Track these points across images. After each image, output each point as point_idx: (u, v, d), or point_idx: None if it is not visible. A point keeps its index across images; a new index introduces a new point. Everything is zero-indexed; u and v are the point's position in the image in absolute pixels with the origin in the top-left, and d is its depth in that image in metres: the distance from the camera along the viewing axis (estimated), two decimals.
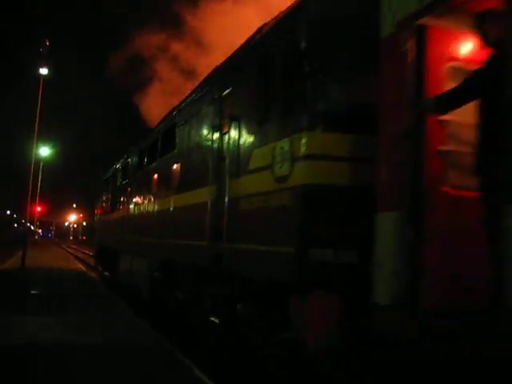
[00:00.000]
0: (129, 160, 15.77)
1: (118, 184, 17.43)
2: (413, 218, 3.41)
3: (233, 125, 6.67)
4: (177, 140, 9.79)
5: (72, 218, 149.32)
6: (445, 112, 3.50)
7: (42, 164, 51.90)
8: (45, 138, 47.81)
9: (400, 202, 3.50)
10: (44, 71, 27.12)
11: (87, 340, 7.64)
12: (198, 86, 8.99)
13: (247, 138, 6.23)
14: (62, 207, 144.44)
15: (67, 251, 53.90)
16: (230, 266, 6.41)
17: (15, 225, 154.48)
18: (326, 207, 4.67)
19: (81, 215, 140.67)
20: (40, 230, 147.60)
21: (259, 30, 6.45)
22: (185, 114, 9.45)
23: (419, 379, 3.33)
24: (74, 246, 67.28)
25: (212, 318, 7.11)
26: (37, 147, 31.07)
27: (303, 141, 4.87)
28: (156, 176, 11.51)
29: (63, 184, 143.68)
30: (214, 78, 7.95)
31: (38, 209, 61.67)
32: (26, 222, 31.80)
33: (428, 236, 3.39)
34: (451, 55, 3.71)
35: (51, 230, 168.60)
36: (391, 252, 3.55)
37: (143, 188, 12.90)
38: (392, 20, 3.80)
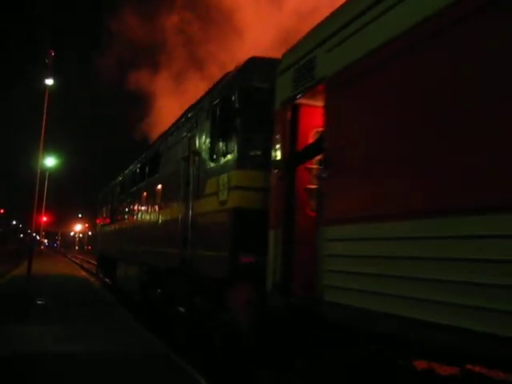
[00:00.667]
0: (125, 177, 17.89)
1: (116, 198, 19.57)
2: (286, 233, 5.37)
3: (195, 158, 8.70)
4: (160, 165, 11.86)
5: (77, 227, 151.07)
6: (298, 165, 5.45)
7: (47, 174, 53.26)
8: (51, 149, 50.10)
9: (278, 222, 5.47)
10: (49, 82, 27.66)
11: (88, 345, 8.53)
12: (175, 124, 11.08)
13: (204, 170, 8.24)
14: (67, 217, 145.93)
15: (72, 261, 55.39)
16: (192, 267, 8.40)
17: (21, 235, 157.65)
18: (248, 224, 6.65)
19: (86, 225, 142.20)
20: (46, 240, 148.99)
21: (214, 85, 8.51)
22: (165, 144, 11.53)
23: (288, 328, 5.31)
24: (80, 256, 68.16)
25: (180, 308, 9.14)
26: (42, 157, 31.36)
27: (235, 176, 6.88)
28: (145, 194, 13.58)
29: (69, 194, 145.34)
30: (185, 119, 10.00)
31: (44, 219, 63.22)
32: (31, 232, 32.38)
33: (296, 245, 5.34)
34: (316, 123, 5.67)
35: (57, 240, 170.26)
36: (273, 256, 5.52)
37: (135, 203, 15.00)
38: (279, 100, 5.80)
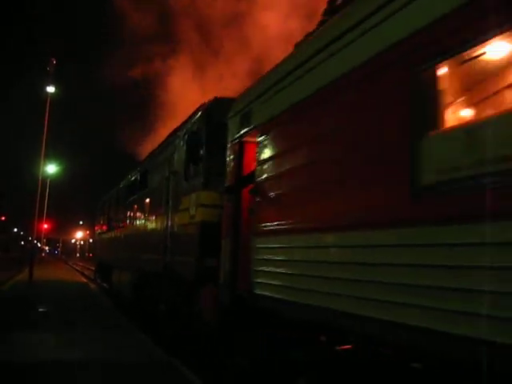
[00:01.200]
0: (119, 190, 19.59)
1: (112, 209, 21.26)
2: (233, 242, 6.99)
3: (174, 177, 10.33)
4: (148, 181, 13.52)
5: (79, 235, 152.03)
6: (242, 189, 7.04)
7: (48, 181, 54.18)
8: (52, 156, 49.39)
9: (227, 233, 7.11)
10: (51, 89, 28.08)
11: (88, 348, 9.39)
12: (160, 144, 12.76)
13: (180, 189, 9.87)
14: (68, 224, 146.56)
15: (73, 267, 56.63)
16: (172, 271, 10.02)
17: (22, 242, 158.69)
18: (210, 234, 8.27)
19: (87, 232, 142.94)
20: (47, 247, 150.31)
21: (188, 118, 10.19)
22: (152, 162, 13.21)
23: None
24: (81, 263, 69.06)
25: (163, 305, 10.82)
26: (44, 165, 31.37)
27: (201, 195, 8.52)
28: (136, 206, 15.24)
29: (70, 201, 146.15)
30: (167, 142, 11.66)
31: (45, 226, 64.17)
32: (33, 240, 32.48)
33: (240, 251, 6.95)
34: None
35: (58, 247, 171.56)
36: (224, 260, 7.17)
37: (128, 214, 16.66)
38: (230, 138, 7.45)
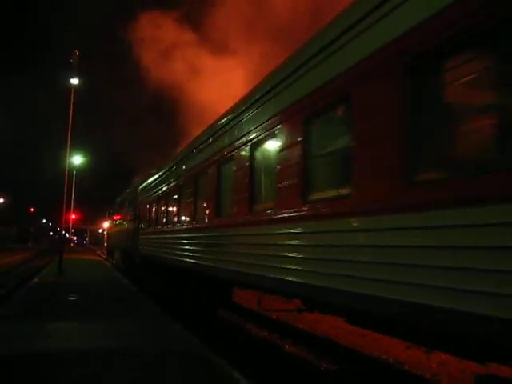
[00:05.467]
0: (122, 199, 32.65)
1: (115, 210, 34.52)
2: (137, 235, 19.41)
3: (136, 208, 22.95)
4: (130, 202, 26.23)
5: (106, 224, 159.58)
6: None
7: (74, 172, 57.07)
8: (78, 147, 52.56)
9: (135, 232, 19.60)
10: (75, 81, 28.74)
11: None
12: (130, 185, 25.67)
13: (138, 215, 22.44)
14: (95, 214, 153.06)
15: (101, 256, 58.40)
16: (136, 250, 22.59)
17: (51, 233, 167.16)
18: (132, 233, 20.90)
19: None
20: (75, 238, 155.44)
21: (132, 182, 23.36)
22: (130, 193, 26.04)
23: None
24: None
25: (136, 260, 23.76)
26: (70, 156, 31.26)
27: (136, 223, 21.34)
28: (124, 213, 28.08)
29: (96, 191, 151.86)
30: (134, 185, 24.45)
31: (73, 216, 68.47)
32: (61, 230, 33.76)
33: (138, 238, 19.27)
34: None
35: (86, 237, 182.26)
36: (136, 242, 19.80)
37: (122, 217, 29.62)
38: (138, 201, 19.88)
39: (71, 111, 27.35)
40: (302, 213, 6.66)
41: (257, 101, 8.57)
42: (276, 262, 7.20)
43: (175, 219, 14.65)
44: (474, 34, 4.23)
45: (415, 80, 4.84)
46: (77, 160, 49.38)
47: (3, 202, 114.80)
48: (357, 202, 5.50)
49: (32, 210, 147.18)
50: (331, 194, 6.14)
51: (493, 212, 3.91)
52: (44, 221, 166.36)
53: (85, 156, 51.97)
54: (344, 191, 5.82)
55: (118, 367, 7.08)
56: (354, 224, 5.55)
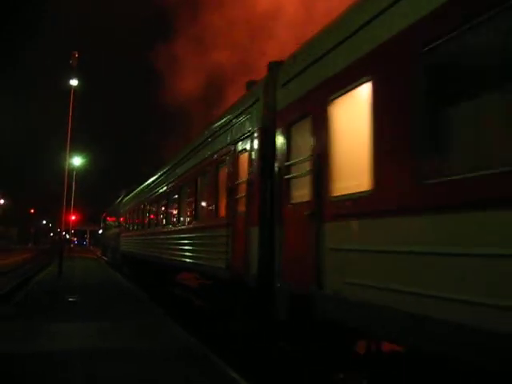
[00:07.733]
0: (112, 208, 36.51)
1: (109, 213, 38.27)
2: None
3: (118, 215, 27.04)
4: (116, 212, 30.32)
5: (101, 229, 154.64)
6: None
7: (74, 173, 55.71)
8: (78, 148, 52.06)
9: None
10: (74, 83, 29.21)
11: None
12: (117, 197, 29.76)
13: (118, 222, 26.66)
14: (95, 215, 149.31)
15: (101, 257, 58.24)
16: (120, 250, 26.05)
17: (51, 234, 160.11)
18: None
19: None
20: (75, 239, 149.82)
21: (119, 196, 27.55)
22: (116, 204, 30.67)
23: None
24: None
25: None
26: (70, 157, 31.90)
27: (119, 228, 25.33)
28: (115, 220, 31.90)
29: (96, 193, 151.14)
30: (119, 198, 28.34)
31: (73, 218, 67.84)
32: (61, 231, 33.98)
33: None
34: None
35: (86, 238, 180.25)
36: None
37: (114, 222, 33.37)
38: (121, 209, 23.07)
39: (71, 112, 28.15)
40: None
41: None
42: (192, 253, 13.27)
43: (139, 227, 22.83)
44: None
45: None
46: (77, 161, 50.70)
47: (4, 203, 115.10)
48: None
49: (32, 211, 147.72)
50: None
51: None
52: (44, 222, 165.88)
53: (85, 156, 53.37)
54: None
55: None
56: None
